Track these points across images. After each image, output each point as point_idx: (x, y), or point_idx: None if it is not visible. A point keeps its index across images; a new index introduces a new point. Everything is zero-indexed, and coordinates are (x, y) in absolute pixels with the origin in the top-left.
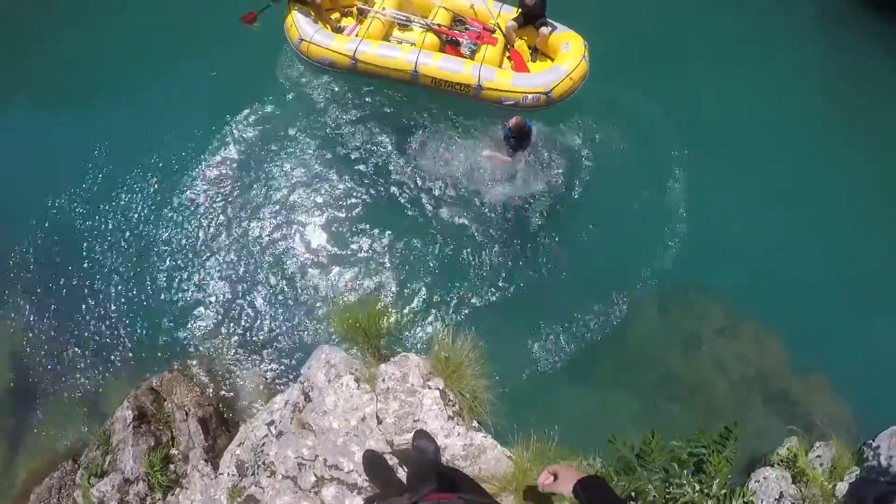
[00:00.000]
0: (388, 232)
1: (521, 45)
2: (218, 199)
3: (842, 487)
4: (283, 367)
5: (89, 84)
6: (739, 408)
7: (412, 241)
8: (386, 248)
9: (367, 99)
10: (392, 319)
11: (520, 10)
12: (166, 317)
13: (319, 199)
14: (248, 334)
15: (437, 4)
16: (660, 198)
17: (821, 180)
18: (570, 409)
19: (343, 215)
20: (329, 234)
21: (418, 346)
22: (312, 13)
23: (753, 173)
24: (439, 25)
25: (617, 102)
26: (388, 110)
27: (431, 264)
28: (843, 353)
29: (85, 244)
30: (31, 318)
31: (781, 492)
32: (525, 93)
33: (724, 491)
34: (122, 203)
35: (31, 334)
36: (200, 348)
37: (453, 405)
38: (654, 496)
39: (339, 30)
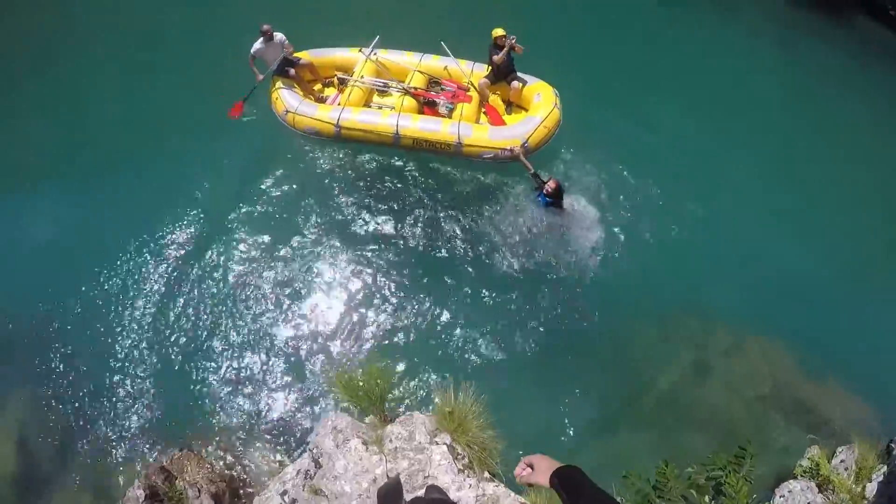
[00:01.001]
0: (383, 295)
1: (495, 99)
2: (219, 277)
3: (871, 488)
4: (292, 438)
5: (81, 167)
6: (757, 425)
7: (407, 303)
8: (388, 310)
9: (365, 165)
10: (392, 379)
11: (490, 67)
12: (173, 396)
13: (317, 269)
14: (256, 408)
15: (412, 69)
16: (648, 226)
17: (801, 183)
18: (584, 450)
19: (340, 281)
20: (327, 301)
21: (422, 403)
22: (295, 86)
23: (729, 186)
24: (416, 88)
25: (597, 137)
26: (377, 173)
27: (432, 322)
28: (853, 353)
29: (89, 327)
30: (36, 403)
31: (809, 502)
32: (502, 146)
33: None
34: (126, 284)
35: (36, 419)
36: (209, 425)
37: (462, 458)
38: None
39: (321, 100)
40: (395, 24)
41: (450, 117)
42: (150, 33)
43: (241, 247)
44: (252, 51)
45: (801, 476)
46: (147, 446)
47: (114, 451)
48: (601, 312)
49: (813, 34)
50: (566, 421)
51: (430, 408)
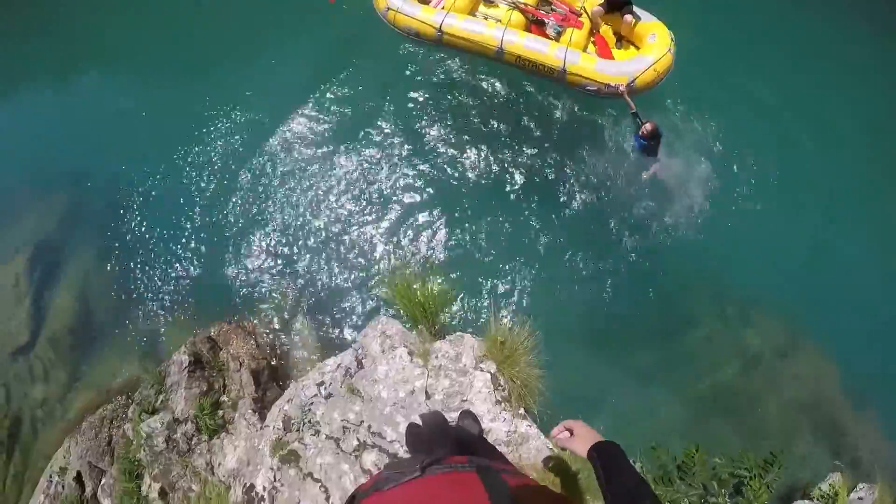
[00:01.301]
0: (464, 209)
1: (606, 30)
2: (288, 161)
3: None
4: (338, 331)
5: (184, 55)
6: (787, 431)
7: (485, 223)
8: (458, 226)
9: (455, 73)
10: (451, 296)
11: None
12: (230, 270)
13: (396, 170)
14: (307, 295)
15: None
16: (735, 207)
17: None
18: (618, 409)
19: (419, 187)
20: (401, 204)
21: (474, 326)
22: None
23: (833, 182)
24: (525, 4)
25: (706, 94)
26: (466, 84)
27: (502, 248)
28: None
29: (159, 197)
30: (100, 262)
31: None
32: (609, 80)
33: None
34: (197, 162)
35: (98, 276)
36: (260, 304)
37: (503, 390)
38: None
39: (425, 0)
40: None
41: (557, 40)
42: None
43: (316, 135)
44: None
45: (818, 499)
46: (198, 315)
47: (166, 315)
48: (666, 281)
49: None
50: (608, 378)
51: (482, 334)
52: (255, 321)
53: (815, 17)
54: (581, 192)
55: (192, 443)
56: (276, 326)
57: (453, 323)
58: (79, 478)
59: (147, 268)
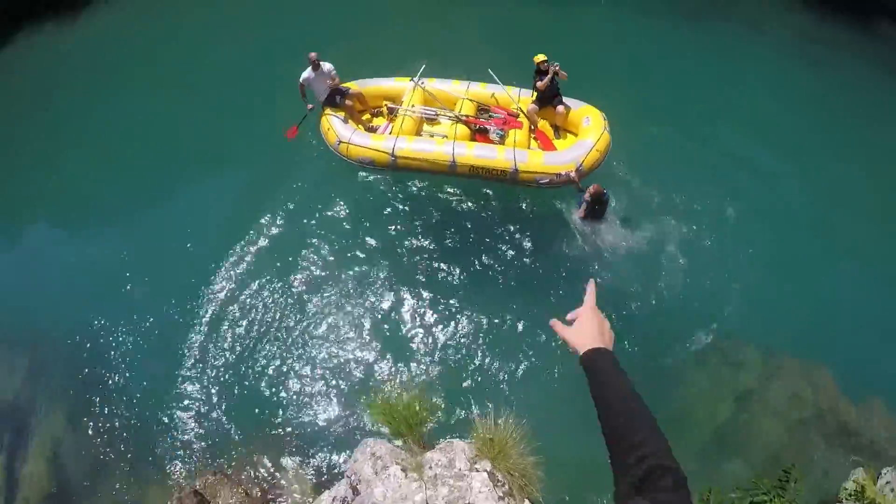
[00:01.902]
0: (431, 319)
1: (543, 124)
2: (257, 299)
3: None
4: (327, 464)
5: (139, 192)
6: (799, 448)
7: (453, 326)
8: (428, 336)
9: (411, 189)
10: (432, 405)
11: (535, 93)
12: (205, 416)
13: (357, 292)
14: (291, 433)
15: (460, 97)
16: (684, 246)
17: (840, 203)
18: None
19: (380, 305)
20: (370, 326)
21: (461, 429)
22: (345, 115)
23: (768, 206)
24: (467, 116)
25: (641, 157)
26: (423, 198)
27: (473, 348)
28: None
29: (126, 349)
30: (70, 422)
31: None
32: (558, 170)
33: None
34: (156, 302)
35: (70, 438)
36: (243, 449)
37: (503, 485)
38: None
39: (371, 129)
40: (438, 52)
41: (502, 144)
42: (196, 62)
43: (285, 269)
44: (301, 79)
45: (847, 500)
46: (180, 469)
47: (146, 472)
48: (638, 336)
49: (839, 46)
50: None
51: (470, 435)
52: (240, 468)
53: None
54: (537, 273)
55: None
56: (263, 470)
57: (439, 430)
58: None
59: (119, 422)
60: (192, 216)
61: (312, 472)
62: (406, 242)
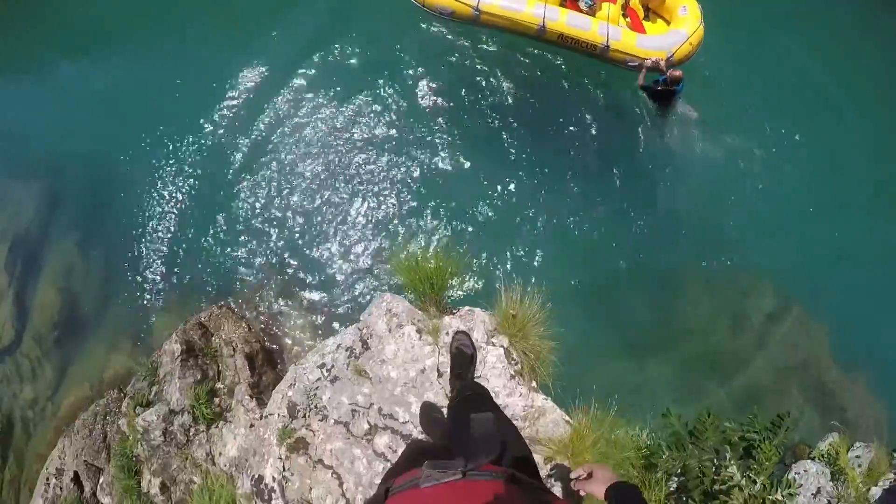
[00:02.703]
0: (471, 182)
1: (634, 2)
2: (287, 135)
3: (875, 492)
4: (334, 310)
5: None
6: (780, 393)
7: (493, 194)
8: (465, 198)
9: (472, 48)
10: (461, 270)
11: None
12: (215, 250)
13: (406, 147)
14: (303, 274)
15: None
16: (725, 173)
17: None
18: (627, 378)
19: (418, 157)
20: (406, 179)
21: (485, 298)
22: None
23: (827, 151)
24: None
25: (730, 65)
26: (482, 56)
27: (508, 219)
28: (891, 354)
29: (142, 180)
30: (82, 250)
31: (819, 487)
32: (650, 55)
33: (768, 479)
34: (177, 139)
35: (81, 266)
36: (250, 283)
37: (516, 364)
38: (702, 475)
39: None
40: None
41: (592, 15)
42: None
43: (322, 109)
44: None
45: (819, 459)
46: (186, 300)
47: (153, 302)
48: (658, 237)
49: None
50: (613, 347)
51: (493, 307)
52: (245, 303)
53: None
54: (593, 151)
55: (190, 434)
56: (268, 307)
57: (462, 296)
58: (76, 478)
59: (129, 254)
60: (234, 50)
61: (322, 317)
62: (463, 102)
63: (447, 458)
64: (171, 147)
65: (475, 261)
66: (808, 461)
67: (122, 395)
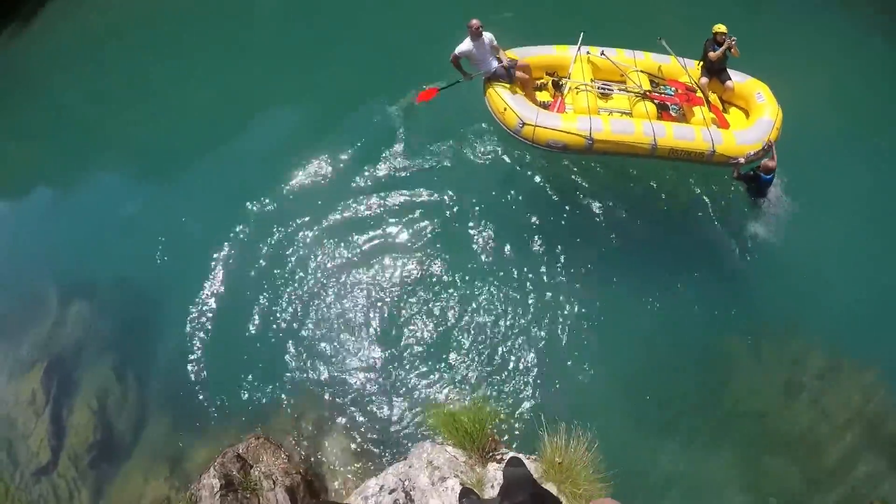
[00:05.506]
0: (507, 319)
1: (714, 98)
2: (338, 265)
3: None
4: (376, 436)
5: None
6: (848, 455)
7: (530, 334)
8: (500, 336)
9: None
10: (500, 418)
11: (702, 63)
12: (253, 379)
13: (440, 283)
14: (343, 409)
15: (632, 69)
16: (753, 231)
17: None
18: (685, 485)
19: (460, 295)
20: (445, 316)
21: (528, 442)
22: (519, 91)
23: (846, 193)
24: (649, 91)
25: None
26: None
27: (546, 358)
28: None
29: (169, 301)
30: (117, 376)
31: None
32: (750, 150)
33: None
34: (214, 260)
35: (115, 393)
36: (290, 416)
37: None
38: None
39: (543, 107)
40: (593, 17)
41: (682, 121)
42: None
43: (370, 244)
44: (456, 51)
45: None
46: (224, 425)
47: (190, 428)
48: (702, 335)
49: None
50: (672, 459)
51: (539, 453)
52: (283, 434)
53: None
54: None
55: None
56: (307, 439)
57: (504, 439)
58: None
59: (164, 377)
60: (271, 177)
61: (364, 444)
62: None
63: None
64: (202, 270)
65: (515, 399)
66: None
67: None
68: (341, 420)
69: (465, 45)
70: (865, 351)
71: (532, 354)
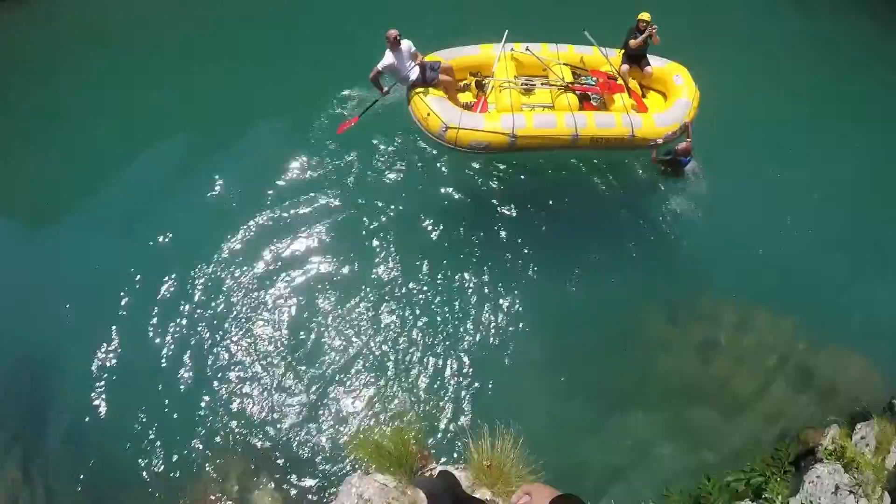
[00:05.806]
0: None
1: (633, 84)
2: (243, 304)
3: (891, 459)
4: (305, 490)
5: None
6: (770, 399)
7: (427, 349)
8: (402, 355)
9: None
10: (421, 431)
11: (623, 51)
12: (172, 445)
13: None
14: (263, 455)
15: (555, 62)
16: (662, 206)
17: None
18: (617, 452)
19: (355, 321)
20: (347, 345)
21: (455, 452)
22: (443, 95)
23: (758, 163)
24: (571, 83)
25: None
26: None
27: (452, 362)
28: (858, 319)
29: (67, 374)
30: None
31: (836, 484)
32: (668, 130)
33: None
34: (131, 320)
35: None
36: (212, 477)
37: None
38: None
39: (466, 108)
40: (514, 13)
41: (605, 110)
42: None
43: (273, 278)
44: (380, 66)
45: (827, 459)
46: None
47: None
48: (618, 307)
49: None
50: (599, 440)
51: (466, 461)
52: (210, 499)
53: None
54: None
55: None
56: (234, 501)
57: (433, 453)
58: None
59: (76, 463)
60: (162, 210)
61: (286, 496)
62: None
63: None
64: (100, 326)
65: (438, 418)
66: (818, 465)
67: None
68: (267, 471)
69: (388, 58)
70: (776, 303)
71: (450, 361)
